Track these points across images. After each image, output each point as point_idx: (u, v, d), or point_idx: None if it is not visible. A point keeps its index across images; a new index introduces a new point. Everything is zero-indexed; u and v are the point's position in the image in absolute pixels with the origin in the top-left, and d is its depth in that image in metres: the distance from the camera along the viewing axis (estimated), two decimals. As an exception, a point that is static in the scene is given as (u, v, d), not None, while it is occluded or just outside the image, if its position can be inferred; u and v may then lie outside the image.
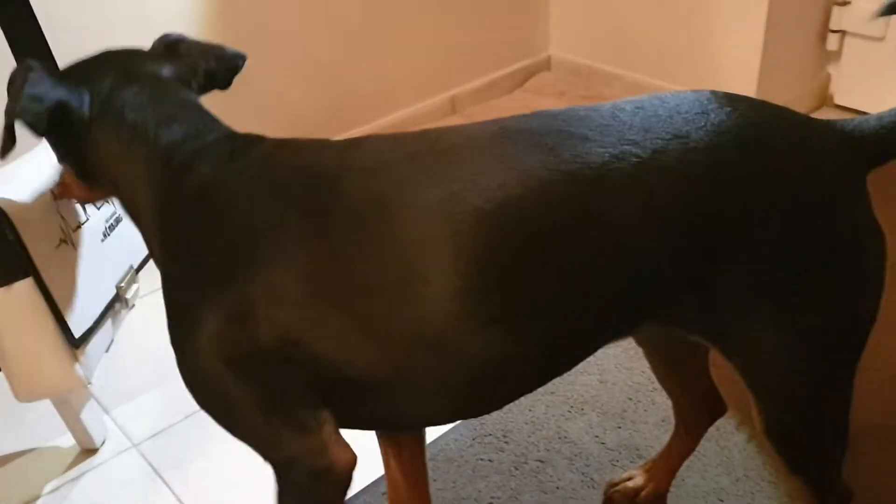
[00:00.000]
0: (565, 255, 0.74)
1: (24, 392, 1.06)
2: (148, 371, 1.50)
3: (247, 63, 0.97)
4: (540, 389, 1.35)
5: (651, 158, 0.73)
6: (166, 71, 0.91)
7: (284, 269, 0.76)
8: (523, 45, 2.48)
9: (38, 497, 1.29)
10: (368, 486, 1.24)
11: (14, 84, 0.84)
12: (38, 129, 0.84)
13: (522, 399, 1.34)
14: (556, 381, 1.37)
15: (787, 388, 0.83)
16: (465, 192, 0.73)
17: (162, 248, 0.85)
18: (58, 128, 0.85)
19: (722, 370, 1.04)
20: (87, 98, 0.85)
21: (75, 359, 1.03)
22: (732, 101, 0.78)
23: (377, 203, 0.75)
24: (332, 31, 2.05)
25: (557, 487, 1.20)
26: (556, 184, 0.73)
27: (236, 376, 0.78)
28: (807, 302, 0.78)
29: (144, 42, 0.96)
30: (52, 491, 1.30)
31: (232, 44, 1.83)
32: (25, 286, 0.98)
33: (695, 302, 0.78)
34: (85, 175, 0.90)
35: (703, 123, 0.75)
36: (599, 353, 1.42)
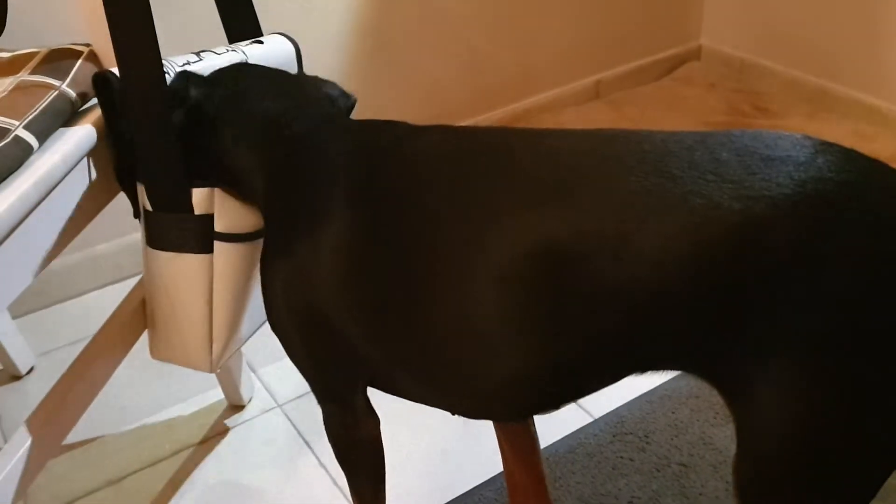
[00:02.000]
0: (601, 293, 0.70)
1: (159, 354, 1.10)
2: (293, 334, 1.55)
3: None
4: (684, 393, 1.35)
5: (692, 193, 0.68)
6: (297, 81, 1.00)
7: (323, 238, 0.82)
8: (673, 33, 2.41)
9: (188, 446, 1.34)
10: (490, 480, 1.25)
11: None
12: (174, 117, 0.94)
13: (665, 401, 1.34)
14: (701, 385, 1.34)
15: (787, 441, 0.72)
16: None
17: (266, 210, 0.92)
18: (195, 131, 0.94)
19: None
20: (216, 96, 0.94)
21: (211, 345, 1.06)
22: (825, 147, 0.70)
23: (413, 194, 0.79)
24: (480, 11, 2.04)
25: (700, 494, 1.18)
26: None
27: (295, 325, 0.88)
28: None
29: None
30: (202, 442, 1.35)
31: (382, 20, 1.88)
32: (197, 260, 1.01)
33: (713, 344, 0.71)
34: (221, 179, 0.98)
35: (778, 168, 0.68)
36: (748, 360, 1.40)
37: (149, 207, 1.00)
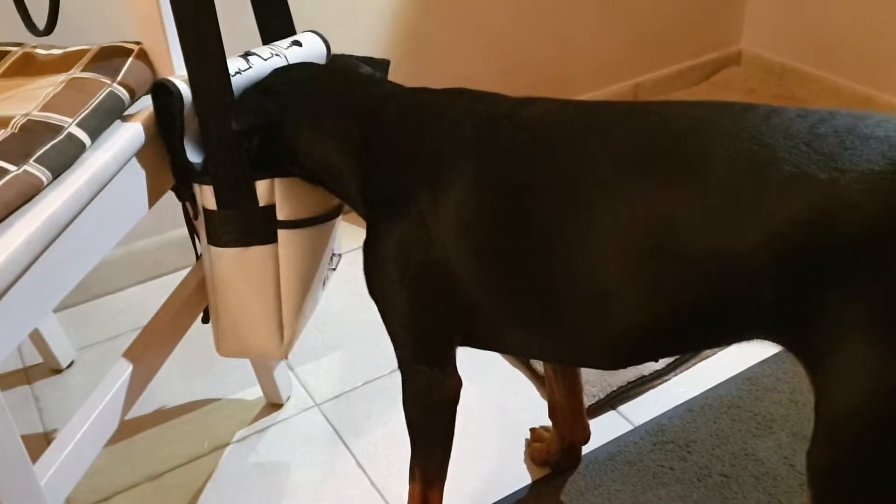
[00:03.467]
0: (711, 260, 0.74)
1: (228, 350, 1.12)
2: (331, 333, 1.55)
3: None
4: (726, 402, 1.33)
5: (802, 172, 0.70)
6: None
7: (446, 196, 0.86)
8: (713, 37, 2.39)
9: (227, 444, 1.35)
10: (522, 489, 1.25)
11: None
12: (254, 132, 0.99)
13: (707, 410, 1.33)
14: (743, 395, 1.34)
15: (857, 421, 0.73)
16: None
17: (365, 185, 0.95)
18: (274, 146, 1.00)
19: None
20: (283, 104, 0.99)
21: (282, 332, 1.07)
22: None
23: (545, 165, 0.82)
24: (518, 13, 2.03)
25: (742, 506, 1.17)
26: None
27: (404, 282, 0.91)
28: None
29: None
30: (240, 440, 1.36)
31: (420, 20, 1.88)
32: (262, 251, 1.02)
33: (796, 312, 0.73)
34: (309, 177, 1.02)
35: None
36: (790, 371, 1.38)
37: (211, 207, 1.01)
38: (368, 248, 0.95)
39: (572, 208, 0.80)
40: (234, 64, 1.01)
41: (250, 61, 1.03)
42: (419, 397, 0.99)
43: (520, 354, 0.95)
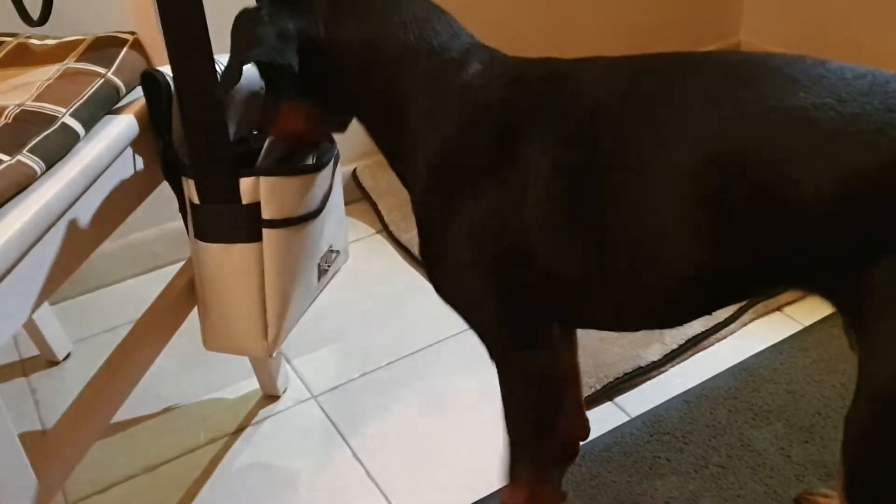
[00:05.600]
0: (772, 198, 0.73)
1: (213, 345, 1.12)
2: (328, 325, 1.55)
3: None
4: (722, 393, 1.33)
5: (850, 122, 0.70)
6: None
7: (525, 170, 0.82)
8: (712, 28, 2.38)
9: (223, 436, 1.35)
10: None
11: (244, 25, 0.89)
12: (292, 68, 0.90)
13: (703, 401, 1.33)
14: (740, 386, 1.34)
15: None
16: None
17: (423, 151, 0.89)
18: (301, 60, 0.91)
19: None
20: (318, 20, 0.90)
21: (266, 331, 1.07)
22: None
23: (617, 122, 0.80)
24: (515, 1, 2.03)
25: (739, 496, 1.17)
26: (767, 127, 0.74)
27: (484, 271, 0.86)
28: None
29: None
30: (236, 431, 1.36)
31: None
32: (246, 249, 1.02)
33: (855, 268, 0.73)
34: (328, 102, 0.96)
35: None
36: (787, 362, 1.38)
37: (196, 201, 1.00)
38: (430, 238, 0.90)
39: (639, 162, 0.79)
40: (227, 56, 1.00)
41: None
42: (528, 381, 0.94)
43: (605, 328, 0.95)
